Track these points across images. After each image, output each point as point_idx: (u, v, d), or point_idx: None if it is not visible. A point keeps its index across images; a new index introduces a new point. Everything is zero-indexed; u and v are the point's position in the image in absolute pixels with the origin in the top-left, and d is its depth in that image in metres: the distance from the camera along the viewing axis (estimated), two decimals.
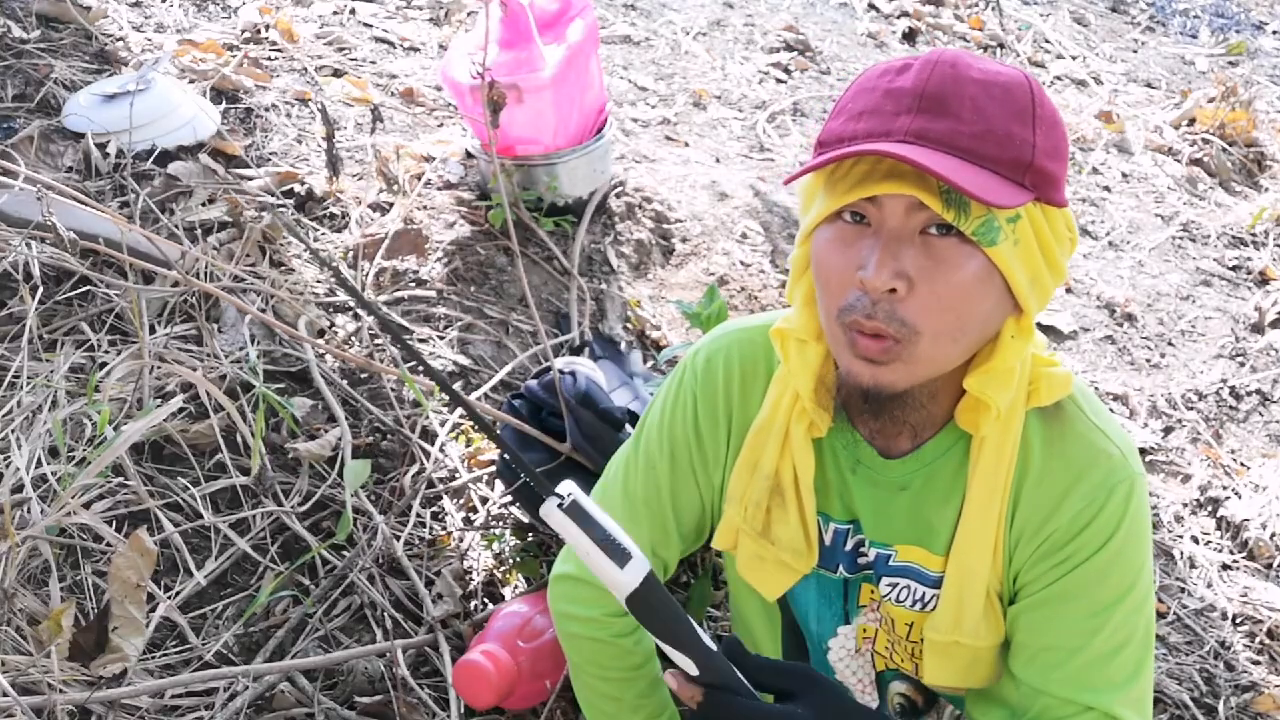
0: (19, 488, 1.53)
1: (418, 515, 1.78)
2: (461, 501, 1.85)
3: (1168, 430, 2.63)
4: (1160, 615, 2.13)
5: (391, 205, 2.34)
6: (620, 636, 1.26)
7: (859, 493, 1.13)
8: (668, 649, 0.89)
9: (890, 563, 1.13)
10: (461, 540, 1.77)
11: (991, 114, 0.93)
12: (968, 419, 1.05)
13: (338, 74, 2.80)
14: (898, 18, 4.63)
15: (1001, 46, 4.63)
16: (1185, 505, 2.40)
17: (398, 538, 1.72)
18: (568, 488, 0.85)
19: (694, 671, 0.89)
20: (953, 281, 0.94)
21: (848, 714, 0.97)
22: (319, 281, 2.12)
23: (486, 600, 1.71)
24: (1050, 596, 1.07)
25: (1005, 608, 1.11)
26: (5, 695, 1.28)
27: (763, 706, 0.90)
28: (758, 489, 1.13)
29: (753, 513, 1.14)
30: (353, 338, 2.03)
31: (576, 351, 2.10)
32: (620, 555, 0.84)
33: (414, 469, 1.83)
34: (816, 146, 1.00)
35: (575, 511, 0.84)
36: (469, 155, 2.55)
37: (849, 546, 1.15)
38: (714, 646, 0.90)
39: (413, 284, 2.19)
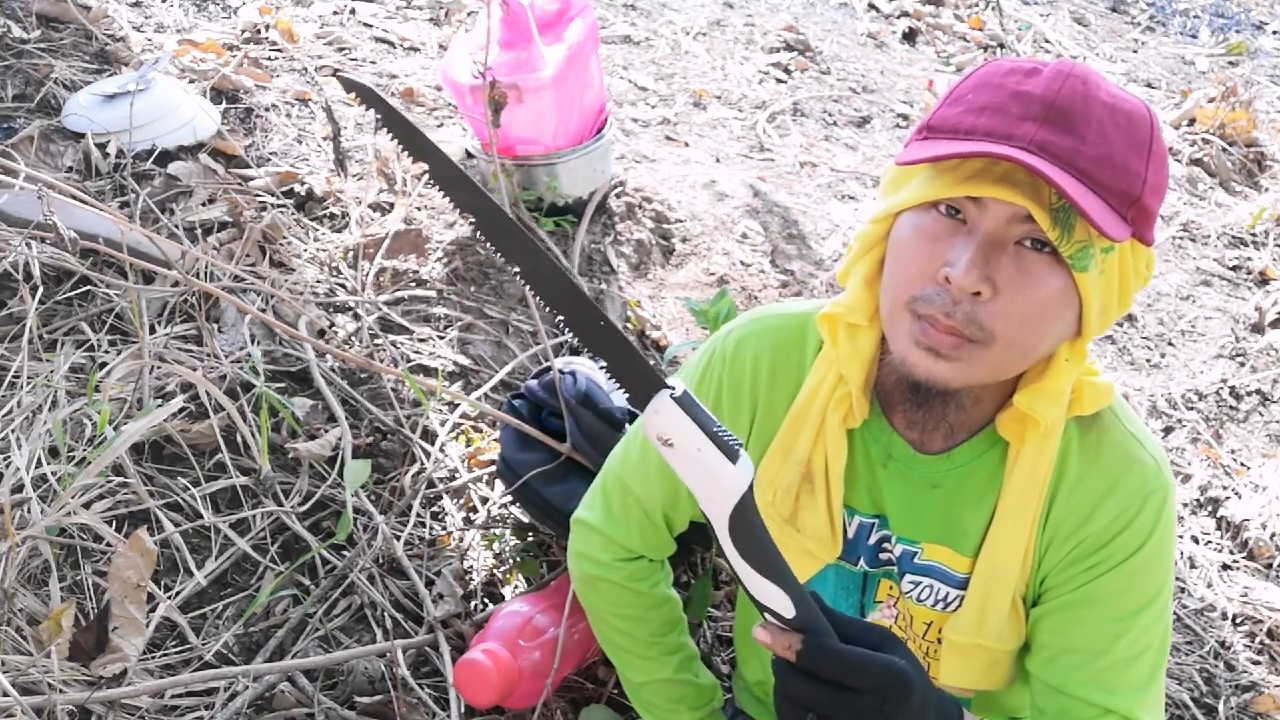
0: (19, 488, 1.53)
1: (418, 515, 1.78)
2: (461, 501, 1.85)
3: (1168, 430, 2.63)
4: None
5: (392, 205, 2.34)
6: (632, 580, 1.29)
7: (888, 487, 1.12)
8: (760, 583, 0.82)
9: (915, 560, 1.13)
10: (461, 540, 1.77)
11: (1114, 141, 0.92)
12: (1011, 429, 1.05)
13: (338, 74, 2.80)
14: (898, 18, 4.63)
15: (1002, 46, 4.63)
16: (1185, 505, 2.40)
17: (398, 538, 1.72)
18: (676, 380, 0.80)
19: (789, 612, 0.82)
20: (1036, 297, 0.93)
21: (927, 677, 0.93)
22: (319, 281, 2.12)
23: (487, 600, 1.71)
24: (1077, 600, 1.07)
25: (1028, 610, 1.11)
26: (5, 695, 1.28)
27: (868, 654, 0.84)
28: (789, 475, 1.13)
29: (781, 498, 1.13)
30: (353, 338, 2.03)
31: (576, 351, 2.10)
32: (730, 450, 0.78)
33: (414, 469, 1.83)
34: (924, 130, 0.98)
35: (687, 402, 0.78)
36: (469, 155, 2.55)
37: (872, 540, 1.15)
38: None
39: (413, 284, 2.19)
